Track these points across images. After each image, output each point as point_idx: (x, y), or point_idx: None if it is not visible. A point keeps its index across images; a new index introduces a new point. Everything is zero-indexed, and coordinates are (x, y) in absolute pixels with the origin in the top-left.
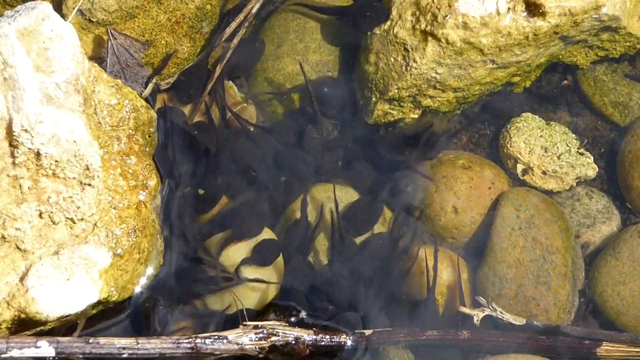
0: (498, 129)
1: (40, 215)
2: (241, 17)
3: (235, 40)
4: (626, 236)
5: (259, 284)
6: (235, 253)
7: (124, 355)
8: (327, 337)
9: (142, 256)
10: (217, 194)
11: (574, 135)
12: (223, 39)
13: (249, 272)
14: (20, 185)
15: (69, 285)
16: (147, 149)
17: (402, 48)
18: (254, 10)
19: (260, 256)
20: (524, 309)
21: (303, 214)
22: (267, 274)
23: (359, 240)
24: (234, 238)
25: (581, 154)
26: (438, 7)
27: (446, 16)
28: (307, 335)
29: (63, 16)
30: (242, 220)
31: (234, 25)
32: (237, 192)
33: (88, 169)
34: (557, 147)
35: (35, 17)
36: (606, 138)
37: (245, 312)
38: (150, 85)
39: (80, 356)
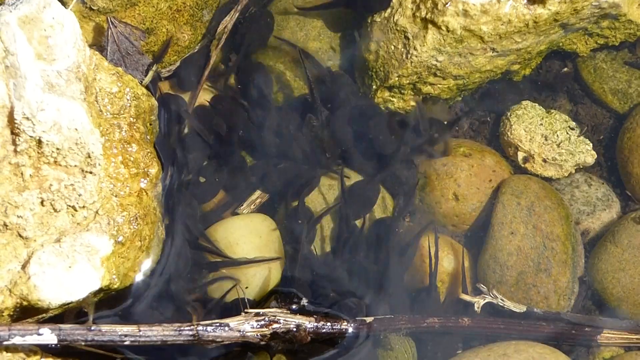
0: (498, 117)
1: (42, 203)
2: (236, 7)
3: (229, 18)
4: (625, 223)
5: (261, 271)
6: (232, 234)
7: (126, 343)
8: (329, 324)
9: (143, 244)
10: (218, 181)
11: (573, 122)
12: (223, 27)
13: (249, 256)
14: (21, 173)
15: (71, 273)
16: (148, 137)
17: (403, 36)
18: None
19: None
20: (525, 296)
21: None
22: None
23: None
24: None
25: (577, 134)
26: None
27: (446, 4)
28: (309, 323)
29: (64, 4)
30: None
31: (232, 12)
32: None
33: (89, 156)
34: (557, 135)
35: (37, 5)
36: (606, 125)
37: (246, 300)
38: (151, 73)
39: (82, 343)
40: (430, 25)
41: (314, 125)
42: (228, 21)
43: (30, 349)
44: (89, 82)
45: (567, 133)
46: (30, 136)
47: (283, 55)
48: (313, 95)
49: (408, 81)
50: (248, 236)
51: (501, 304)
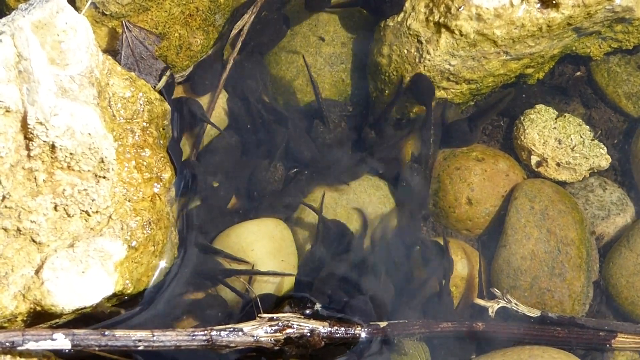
0: (512, 121)
1: (55, 208)
2: (252, 9)
3: (241, 22)
4: None
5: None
6: (246, 239)
7: (140, 348)
8: (342, 329)
9: (156, 248)
10: (232, 185)
11: (587, 126)
12: (236, 32)
13: (263, 264)
14: (35, 178)
15: (85, 278)
16: (161, 142)
17: (416, 40)
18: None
19: None
20: (539, 301)
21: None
22: (281, 267)
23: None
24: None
25: (591, 138)
26: None
27: (460, 8)
28: (322, 328)
29: (76, 9)
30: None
31: (246, 17)
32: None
33: (103, 161)
34: (571, 139)
35: (50, 10)
36: (620, 129)
37: (260, 304)
38: (164, 78)
39: (96, 348)
40: (443, 30)
41: (321, 131)
42: (240, 25)
43: (44, 354)
44: (102, 87)
45: (581, 137)
46: (44, 141)
47: (296, 59)
48: (319, 101)
49: None
50: (261, 240)
51: (515, 309)
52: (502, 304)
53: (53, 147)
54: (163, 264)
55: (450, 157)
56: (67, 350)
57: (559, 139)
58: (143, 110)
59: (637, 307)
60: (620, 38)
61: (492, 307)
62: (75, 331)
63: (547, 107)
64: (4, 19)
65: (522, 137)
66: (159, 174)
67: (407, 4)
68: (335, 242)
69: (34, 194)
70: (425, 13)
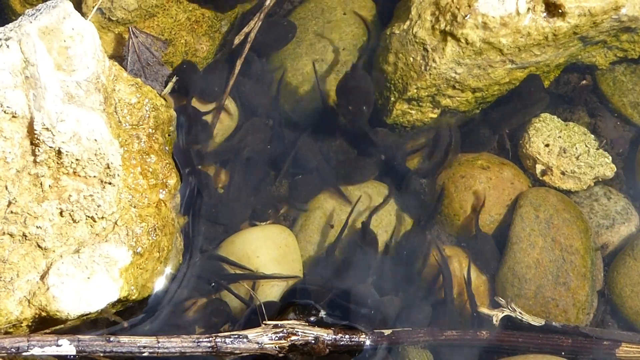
0: (517, 129)
1: (61, 214)
2: (259, 15)
3: (252, 34)
4: None
5: (279, 283)
6: (250, 245)
7: (145, 354)
8: (347, 336)
9: (162, 255)
10: (241, 195)
11: (592, 135)
12: (242, 38)
13: (267, 268)
14: (41, 184)
15: (90, 284)
16: (167, 148)
17: (422, 48)
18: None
19: None
20: (543, 310)
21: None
22: (285, 271)
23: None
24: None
25: (596, 147)
26: (458, 7)
27: (466, 16)
28: (327, 335)
29: (83, 15)
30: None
31: (252, 23)
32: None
33: (109, 167)
34: (576, 148)
35: (57, 16)
36: (625, 138)
37: (264, 311)
38: (170, 84)
39: (101, 355)
40: (449, 38)
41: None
42: (246, 32)
43: None
44: (108, 92)
45: (586, 146)
46: (50, 147)
47: (302, 66)
48: (326, 108)
49: (427, 93)
50: (266, 247)
51: (520, 318)
52: (507, 312)
53: (59, 152)
54: (168, 270)
55: (456, 165)
56: (71, 356)
57: (564, 147)
58: (149, 117)
59: None
60: (626, 47)
61: (497, 315)
62: (80, 337)
63: (552, 116)
64: (10, 25)
65: (527, 146)
66: (164, 180)
67: (413, 12)
68: (359, 249)
69: (40, 200)
70: (431, 21)
